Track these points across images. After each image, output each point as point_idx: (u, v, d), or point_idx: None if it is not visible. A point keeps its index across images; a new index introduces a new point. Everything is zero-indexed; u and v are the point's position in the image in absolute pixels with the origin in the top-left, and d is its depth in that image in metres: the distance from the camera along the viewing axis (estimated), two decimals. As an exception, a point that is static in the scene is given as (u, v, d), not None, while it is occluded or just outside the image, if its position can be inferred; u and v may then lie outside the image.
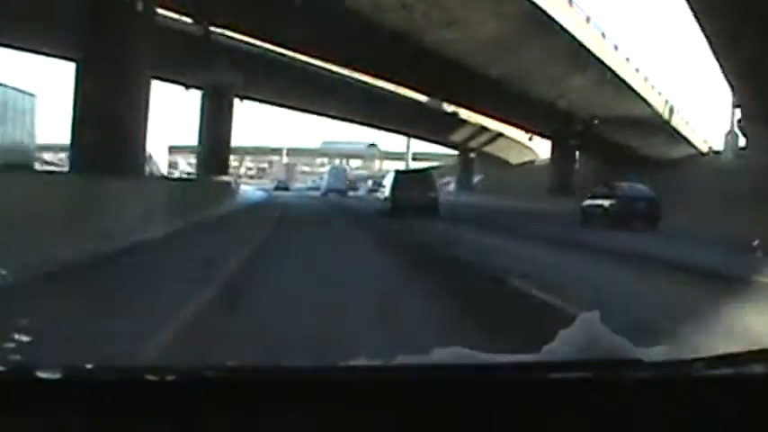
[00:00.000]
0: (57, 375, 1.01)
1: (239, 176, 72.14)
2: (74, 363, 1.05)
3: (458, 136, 60.21)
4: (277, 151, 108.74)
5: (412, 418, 1.07)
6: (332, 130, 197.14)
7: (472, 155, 66.37)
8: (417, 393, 1.09)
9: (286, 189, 63.93)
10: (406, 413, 1.07)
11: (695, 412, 1.14)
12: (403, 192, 22.45)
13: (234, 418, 1.04)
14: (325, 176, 60.02)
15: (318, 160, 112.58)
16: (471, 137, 60.33)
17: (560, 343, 1.23)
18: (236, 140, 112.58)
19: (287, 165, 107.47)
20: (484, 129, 56.85)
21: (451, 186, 66.80)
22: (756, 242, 10.88)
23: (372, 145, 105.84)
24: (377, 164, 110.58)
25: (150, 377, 1.05)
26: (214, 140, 37.54)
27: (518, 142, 60.29)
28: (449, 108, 50.96)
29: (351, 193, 56.26)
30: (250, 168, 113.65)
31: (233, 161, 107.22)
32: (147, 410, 1.02)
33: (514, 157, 65.34)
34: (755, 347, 1.25)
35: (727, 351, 1.24)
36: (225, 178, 31.75)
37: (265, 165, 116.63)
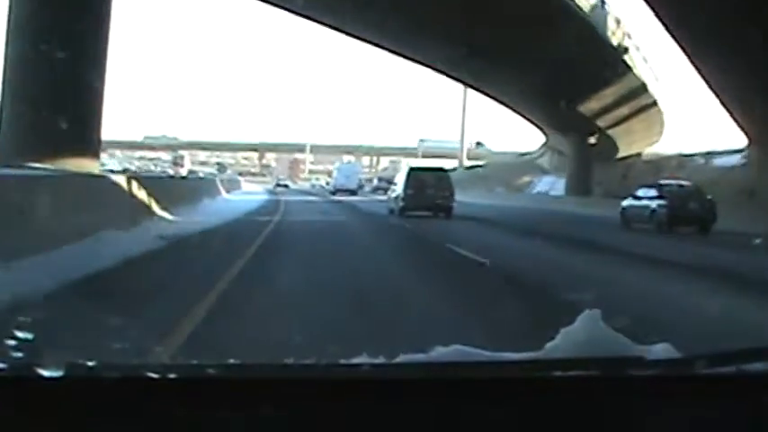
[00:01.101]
0: (59, 373, 1.01)
1: (241, 174, 71.54)
2: (75, 361, 1.06)
3: (592, 102, 34.23)
4: (302, 148, 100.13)
5: (414, 415, 1.07)
6: (428, 128, 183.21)
7: (593, 139, 40.32)
8: (420, 391, 1.09)
9: (286, 187, 63.89)
10: (409, 411, 1.07)
11: (696, 409, 1.14)
12: (416, 190, 20.91)
13: (235, 414, 1.04)
14: (335, 174, 55.42)
15: (345, 158, 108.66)
16: (609, 107, 35.04)
17: (562, 340, 1.23)
18: (260, 136, 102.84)
19: (290, 162, 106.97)
20: (643, 89, 33.63)
21: (541, 187, 48.94)
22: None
23: (479, 144, 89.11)
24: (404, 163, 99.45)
25: (152, 375, 1.05)
26: (50, 75, 13.86)
27: (658, 119, 39.51)
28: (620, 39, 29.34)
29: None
30: (266, 166, 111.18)
31: (255, 158, 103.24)
32: (148, 408, 1.03)
33: (630, 146, 42.96)
34: (756, 345, 1.25)
35: (728, 348, 1.25)
36: (87, 167, 13.98)
37: (285, 163, 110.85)
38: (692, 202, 19.26)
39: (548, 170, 51.49)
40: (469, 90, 52.74)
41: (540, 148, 55.53)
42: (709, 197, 19.79)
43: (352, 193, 47.17)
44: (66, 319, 4.21)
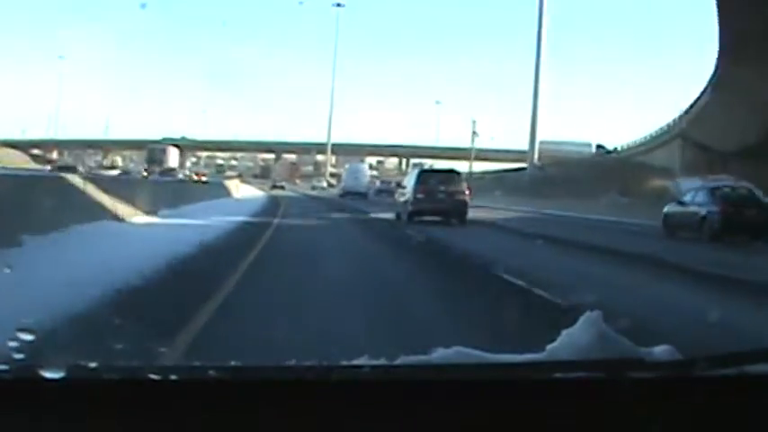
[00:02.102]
0: (60, 374, 1.01)
1: (241, 177, 70.33)
2: (77, 362, 1.06)
3: None
4: (323, 147, 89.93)
5: (415, 417, 1.07)
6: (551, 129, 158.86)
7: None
8: (420, 392, 1.09)
9: (282, 188, 64.06)
10: (409, 412, 1.07)
11: (697, 411, 1.14)
12: (427, 194, 19.36)
13: (235, 416, 1.04)
14: (344, 177, 52.00)
15: (368, 159, 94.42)
16: None
17: (564, 342, 1.23)
18: (280, 136, 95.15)
19: (289, 164, 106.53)
20: None
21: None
22: None
23: (602, 147, 69.71)
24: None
25: (153, 376, 1.05)
26: None
27: None
28: None
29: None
30: (265, 168, 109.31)
31: (279, 165, 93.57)
32: (149, 409, 1.03)
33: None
34: (756, 347, 1.25)
35: (729, 351, 1.25)
36: None
37: (310, 166, 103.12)
38: (748, 207, 17.00)
39: (669, 169, 37.80)
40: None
41: (653, 139, 43.58)
42: (767, 201, 17.38)
43: (363, 196, 43.82)
44: None
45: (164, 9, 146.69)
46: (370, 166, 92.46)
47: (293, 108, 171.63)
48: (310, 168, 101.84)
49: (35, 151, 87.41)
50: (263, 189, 53.40)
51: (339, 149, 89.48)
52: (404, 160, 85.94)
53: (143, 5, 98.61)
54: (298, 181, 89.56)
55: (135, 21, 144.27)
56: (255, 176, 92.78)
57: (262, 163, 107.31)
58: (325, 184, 75.38)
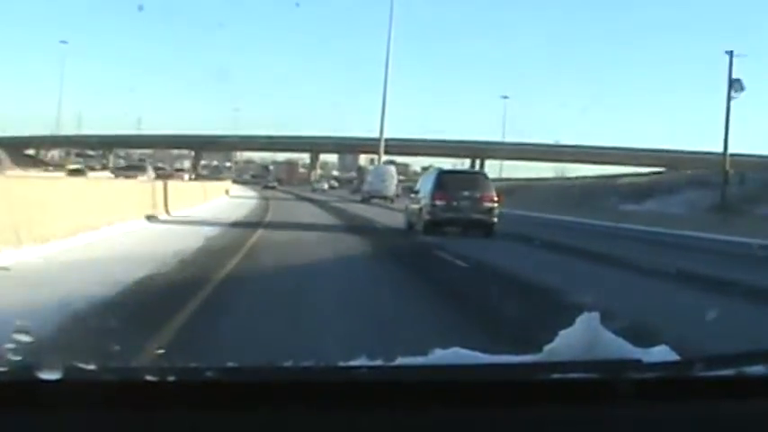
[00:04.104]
0: (57, 376, 1.01)
1: (238, 180, 69.29)
2: (74, 363, 1.06)
3: None
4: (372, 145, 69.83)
5: (412, 418, 1.07)
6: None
7: None
8: (418, 394, 1.09)
9: (273, 188, 64.73)
10: (407, 413, 1.07)
11: (695, 412, 1.14)
12: (446, 200, 16.34)
13: (234, 418, 1.04)
14: (368, 178, 46.78)
15: (422, 161, 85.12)
16: None
17: (561, 343, 1.23)
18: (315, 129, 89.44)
19: (287, 166, 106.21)
20: None
21: None
22: None
23: None
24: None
25: (150, 378, 1.05)
26: None
27: None
28: None
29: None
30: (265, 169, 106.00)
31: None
32: (147, 411, 1.02)
33: None
34: (754, 348, 1.26)
35: (726, 351, 1.25)
36: None
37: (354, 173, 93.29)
38: None
39: None
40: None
41: None
42: None
43: (390, 200, 39.94)
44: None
45: (182, 11, 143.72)
46: (414, 173, 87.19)
47: (336, 103, 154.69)
48: (353, 174, 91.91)
49: (29, 151, 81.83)
50: (256, 190, 52.97)
51: (392, 146, 67.72)
52: (477, 161, 69.71)
53: (140, 8, 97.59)
54: (295, 183, 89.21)
55: (146, 22, 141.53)
56: (254, 176, 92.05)
57: (302, 169, 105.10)
58: (326, 186, 73.58)
